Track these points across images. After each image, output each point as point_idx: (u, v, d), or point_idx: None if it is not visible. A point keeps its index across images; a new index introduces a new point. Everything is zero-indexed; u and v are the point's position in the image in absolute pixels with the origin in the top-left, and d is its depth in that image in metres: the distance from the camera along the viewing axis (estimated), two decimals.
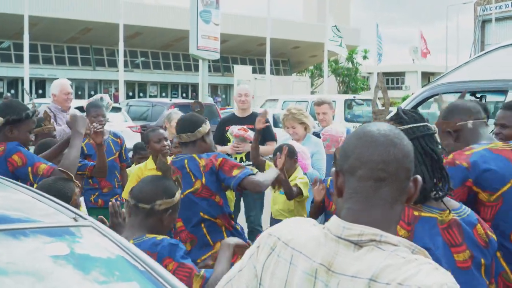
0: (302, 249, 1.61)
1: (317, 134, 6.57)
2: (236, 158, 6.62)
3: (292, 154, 5.41)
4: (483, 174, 2.96)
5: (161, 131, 5.98)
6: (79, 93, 46.19)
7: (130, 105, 19.46)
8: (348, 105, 19.95)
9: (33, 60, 43.49)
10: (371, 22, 35.78)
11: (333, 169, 1.71)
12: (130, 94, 47.89)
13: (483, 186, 2.96)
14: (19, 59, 40.33)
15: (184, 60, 49.58)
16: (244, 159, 6.72)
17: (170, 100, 18.33)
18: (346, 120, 19.09)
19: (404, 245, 1.54)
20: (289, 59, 56.65)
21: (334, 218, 1.62)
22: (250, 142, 6.46)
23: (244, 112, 7.05)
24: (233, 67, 41.62)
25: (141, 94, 48.07)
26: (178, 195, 3.03)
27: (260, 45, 42.88)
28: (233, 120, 7.04)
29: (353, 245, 1.54)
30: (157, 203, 2.92)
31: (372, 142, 1.61)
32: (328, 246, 1.56)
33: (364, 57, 53.41)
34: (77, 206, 3.30)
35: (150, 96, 46.42)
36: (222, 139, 6.91)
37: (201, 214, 4.18)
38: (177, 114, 7.55)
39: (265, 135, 6.77)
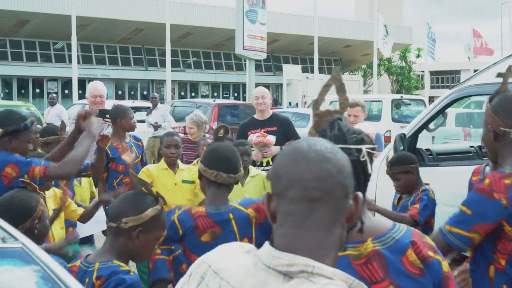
0: (230, 279, 1.46)
1: None
2: (262, 163, 6.53)
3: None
4: None
5: (176, 137, 5.96)
6: (132, 93, 46.78)
7: (175, 106, 19.48)
8: (396, 105, 19.54)
9: (86, 60, 44.27)
10: (424, 19, 34.88)
11: (265, 192, 1.51)
12: (182, 93, 48.23)
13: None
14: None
15: (235, 60, 49.65)
16: (271, 163, 6.65)
17: (214, 101, 18.24)
18: (394, 120, 18.67)
19: (340, 278, 1.36)
20: (341, 58, 56.18)
21: (265, 244, 1.45)
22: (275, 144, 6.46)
23: (263, 114, 6.95)
24: (276, 66, 41.48)
25: (193, 94, 48.35)
26: (151, 211, 2.71)
27: (311, 44, 42.52)
28: (253, 123, 6.97)
29: (282, 275, 1.36)
30: (122, 220, 2.68)
31: (303, 159, 1.44)
32: (257, 276, 1.40)
33: (418, 56, 52.58)
34: (43, 217, 3.18)
35: (202, 96, 46.60)
36: None
37: None
38: (197, 116, 7.66)
39: (288, 135, 6.69)
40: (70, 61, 39.70)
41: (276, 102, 44.52)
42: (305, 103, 34.78)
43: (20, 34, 42.15)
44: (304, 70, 46.21)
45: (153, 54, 47.50)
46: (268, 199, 1.49)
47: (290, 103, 40.45)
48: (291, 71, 30.73)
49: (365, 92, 47.73)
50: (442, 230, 2.77)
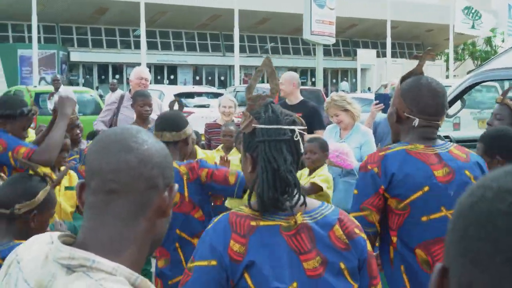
0: (24, 269, 1.41)
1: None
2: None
3: (324, 147, 5.18)
4: (392, 179, 2.66)
5: (231, 127, 6.36)
6: (209, 78, 47.14)
7: (237, 91, 19.46)
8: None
9: (165, 46, 44.91)
10: None
11: (81, 181, 1.46)
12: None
13: (392, 192, 2.67)
14: (153, 46, 41.86)
15: (313, 45, 49.23)
16: None
17: None
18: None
19: (122, 274, 1.31)
20: (422, 42, 54.79)
21: (56, 236, 1.42)
22: None
23: (291, 99, 6.93)
24: (355, 51, 40.71)
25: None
26: (42, 194, 2.79)
27: (392, 28, 41.71)
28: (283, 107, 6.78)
29: (65, 269, 1.33)
30: (16, 207, 2.73)
31: (105, 149, 1.40)
32: (47, 268, 1.36)
33: (503, 40, 50.64)
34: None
35: None
36: None
37: (177, 231, 3.70)
38: (226, 99, 7.65)
39: (313, 123, 6.40)
40: (149, 48, 40.43)
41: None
42: (384, 87, 33.92)
43: (100, 22, 43.10)
44: (384, 55, 45.29)
45: (231, 40, 47.67)
46: (81, 188, 1.45)
47: (369, 88, 39.64)
48: (365, 56, 30.12)
49: (447, 77, 46.37)
50: None
